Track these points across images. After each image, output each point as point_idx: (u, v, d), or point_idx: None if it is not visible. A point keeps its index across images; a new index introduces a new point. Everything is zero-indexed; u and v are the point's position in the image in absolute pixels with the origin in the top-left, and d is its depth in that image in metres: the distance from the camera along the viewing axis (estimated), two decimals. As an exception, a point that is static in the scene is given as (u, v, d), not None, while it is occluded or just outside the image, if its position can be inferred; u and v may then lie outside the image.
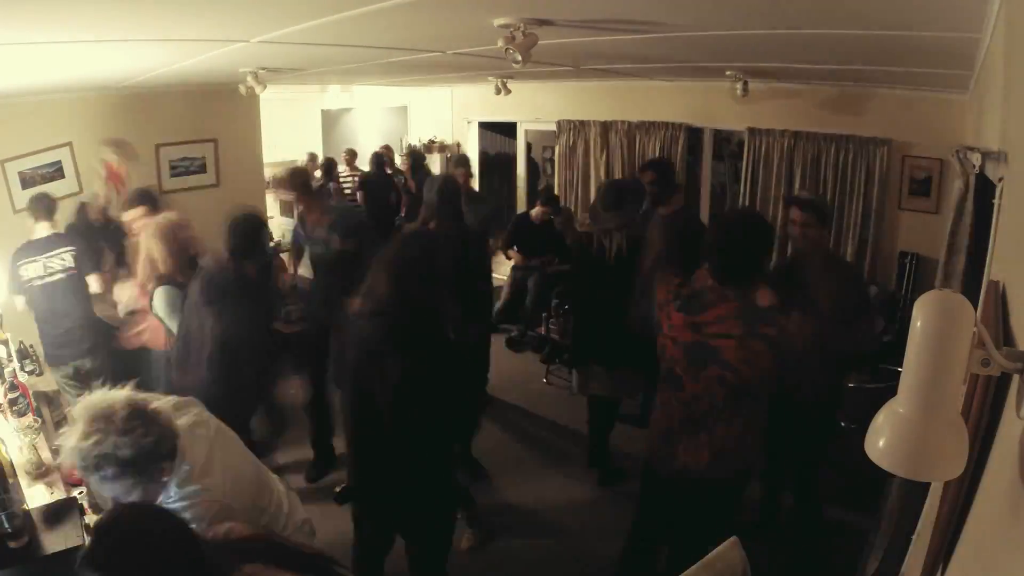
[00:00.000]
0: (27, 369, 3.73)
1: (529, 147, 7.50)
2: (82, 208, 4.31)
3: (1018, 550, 0.79)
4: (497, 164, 7.97)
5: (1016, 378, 0.90)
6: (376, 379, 2.02)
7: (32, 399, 2.79)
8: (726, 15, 2.31)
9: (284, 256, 4.80)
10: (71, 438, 1.44)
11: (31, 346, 3.95)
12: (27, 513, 2.02)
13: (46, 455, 2.56)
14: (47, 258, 3.65)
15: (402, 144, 8.30)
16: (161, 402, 1.64)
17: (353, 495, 2.36)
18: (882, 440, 0.85)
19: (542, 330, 5.43)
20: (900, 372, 0.86)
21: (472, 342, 3.59)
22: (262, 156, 6.20)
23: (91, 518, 2.16)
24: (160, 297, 2.99)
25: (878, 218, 4.91)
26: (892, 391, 0.87)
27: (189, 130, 5.44)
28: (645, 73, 5.19)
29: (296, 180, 3.84)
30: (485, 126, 7.85)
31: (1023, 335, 1.01)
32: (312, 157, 8.22)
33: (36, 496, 2.26)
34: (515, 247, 5.69)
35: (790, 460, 3.16)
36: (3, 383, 2.82)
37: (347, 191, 7.82)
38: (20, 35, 2.26)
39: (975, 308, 0.83)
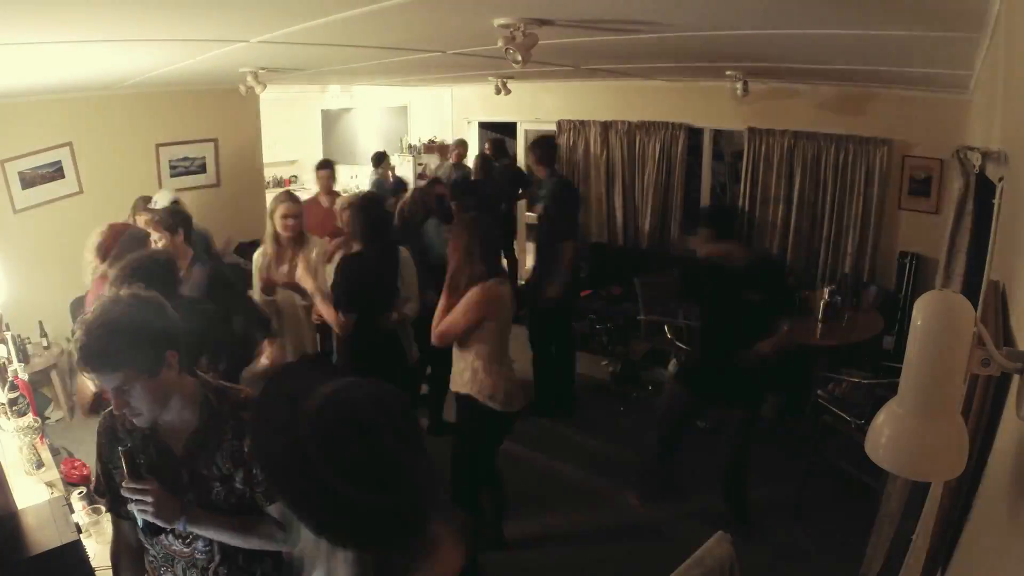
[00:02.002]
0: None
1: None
2: None
3: (1018, 550, 0.79)
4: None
5: (1016, 378, 0.90)
6: None
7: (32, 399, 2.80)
8: (726, 15, 2.31)
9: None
10: None
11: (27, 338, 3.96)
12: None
13: (46, 455, 2.56)
14: None
15: (402, 144, 8.30)
16: None
17: None
18: (882, 440, 0.85)
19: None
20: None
21: None
22: (262, 156, 6.20)
23: (82, 516, 2.16)
24: None
25: (878, 218, 4.91)
26: (893, 390, 0.87)
27: (189, 130, 5.44)
28: (645, 73, 5.18)
29: None
30: (485, 126, 7.84)
31: (1023, 335, 1.01)
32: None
33: (36, 496, 2.26)
34: None
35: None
36: (3, 383, 2.82)
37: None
38: (20, 35, 2.26)
39: (975, 308, 0.83)
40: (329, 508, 0.87)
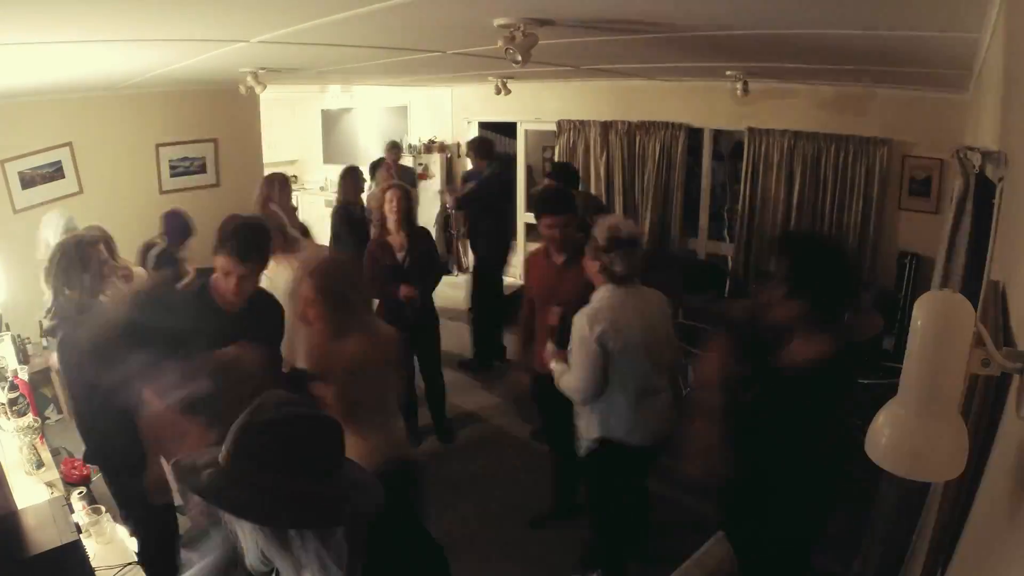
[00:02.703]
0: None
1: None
2: None
3: (1018, 550, 0.79)
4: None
5: (1016, 378, 0.90)
6: None
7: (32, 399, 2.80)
8: (727, 15, 2.31)
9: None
10: None
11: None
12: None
13: (46, 455, 2.56)
14: None
15: (402, 144, 8.29)
16: None
17: None
18: (882, 440, 0.85)
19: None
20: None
21: None
22: (262, 156, 6.20)
23: (82, 516, 2.16)
24: None
25: (878, 218, 4.91)
26: (893, 390, 0.87)
27: (189, 130, 5.44)
28: (645, 73, 5.18)
29: None
30: (485, 126, 7.84)
31: (1023, 335, 1.01)
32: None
33: (36, 496, 2.26)
34: None
35: None
36: (3, 383, 2.82)
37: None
38: (20, 35, 2.26)
39: (975, 308, 0.83)
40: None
